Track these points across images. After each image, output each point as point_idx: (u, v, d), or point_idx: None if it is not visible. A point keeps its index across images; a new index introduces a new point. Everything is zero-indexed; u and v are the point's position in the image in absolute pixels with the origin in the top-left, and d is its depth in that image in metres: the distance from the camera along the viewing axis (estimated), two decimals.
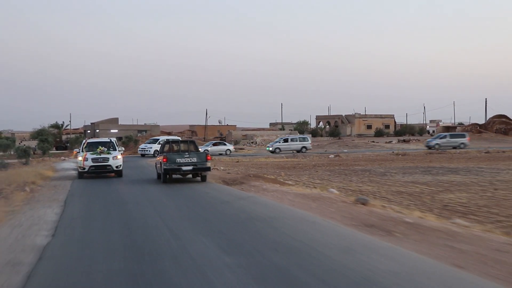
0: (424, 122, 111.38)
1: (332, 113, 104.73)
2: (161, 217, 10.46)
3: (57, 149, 71.04)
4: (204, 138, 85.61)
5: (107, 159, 22.49)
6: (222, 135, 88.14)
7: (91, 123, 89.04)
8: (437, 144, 51.98)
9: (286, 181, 19.08)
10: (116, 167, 22.73)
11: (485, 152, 43.34)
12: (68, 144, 75.72)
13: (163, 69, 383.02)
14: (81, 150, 23.26)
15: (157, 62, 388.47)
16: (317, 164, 33.32)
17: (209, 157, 18.78)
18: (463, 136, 54.66)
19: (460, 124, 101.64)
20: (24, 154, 35.33)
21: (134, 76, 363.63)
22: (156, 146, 41.16)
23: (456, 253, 6.77)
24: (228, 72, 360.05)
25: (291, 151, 50.04)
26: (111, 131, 78.93)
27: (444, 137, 53.87)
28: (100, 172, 22.68)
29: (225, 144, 54.21)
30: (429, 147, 52.21)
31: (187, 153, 18.45)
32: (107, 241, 8.08)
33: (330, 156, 42.90)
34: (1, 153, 51.77)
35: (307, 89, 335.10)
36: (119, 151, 23.91)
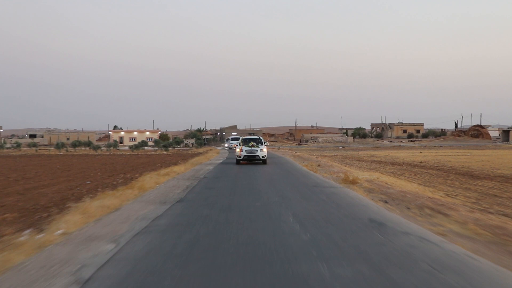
0: (462, 126, 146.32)
1: (387, 121, 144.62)
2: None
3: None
4: (294, 138, 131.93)
5: (256, 151, 28.64)
6: (292, 135, 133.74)
7: (220, 128, 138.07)
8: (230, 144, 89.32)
9: (280, 150, 63.82)
10: (262, 156, 28.78)
11: (424, 147, 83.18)
12: (206, 142, 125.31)
13: (274, 75, 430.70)
14: (239, 144, 30.34)
15: (273, 66, 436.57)
16: (322, 149, 76.64)
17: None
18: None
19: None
20: (201, 144, 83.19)
21: (251, 81, 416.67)
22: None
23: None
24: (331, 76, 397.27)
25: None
26: (233, 133, 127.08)
27: (237, 139, 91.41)
28: (250, 160, 28.90)
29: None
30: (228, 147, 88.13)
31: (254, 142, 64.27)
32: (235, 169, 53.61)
33: (339, 148, 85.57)
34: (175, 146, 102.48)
35: (380, 100, 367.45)
36: (265, 145, 29.76)
